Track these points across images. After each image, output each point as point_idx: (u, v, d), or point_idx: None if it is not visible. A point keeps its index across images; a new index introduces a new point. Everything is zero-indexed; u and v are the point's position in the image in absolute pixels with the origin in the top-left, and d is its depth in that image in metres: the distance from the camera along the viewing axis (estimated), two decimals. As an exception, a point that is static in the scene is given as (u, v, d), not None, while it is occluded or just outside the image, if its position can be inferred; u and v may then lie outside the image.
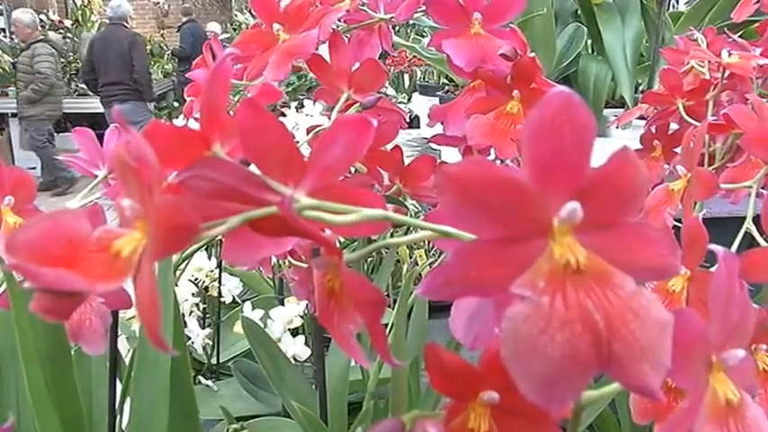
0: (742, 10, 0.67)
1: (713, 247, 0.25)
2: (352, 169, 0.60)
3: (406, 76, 3.81)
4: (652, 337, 0.21)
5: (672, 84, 0.65)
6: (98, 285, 0.25)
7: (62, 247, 0.26)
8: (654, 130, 0.70)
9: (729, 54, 0.62)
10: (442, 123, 0.59)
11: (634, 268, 0.22)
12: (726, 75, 0.62)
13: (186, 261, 0.64)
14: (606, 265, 0.22)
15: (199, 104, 0.27)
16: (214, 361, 0.97)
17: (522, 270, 0.21)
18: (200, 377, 0.95)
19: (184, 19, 5.99)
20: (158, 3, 6.89)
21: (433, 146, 0.65)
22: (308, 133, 0.56)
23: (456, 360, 0.26)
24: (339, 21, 0.60)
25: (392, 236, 0.57)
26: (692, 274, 0.44)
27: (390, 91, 3.45)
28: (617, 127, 0.71)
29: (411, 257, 1.22)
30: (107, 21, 5.06)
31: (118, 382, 0.60)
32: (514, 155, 0.55)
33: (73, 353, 0.65)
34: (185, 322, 0.83)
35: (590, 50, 0.96)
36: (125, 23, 4.75)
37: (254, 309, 0.82)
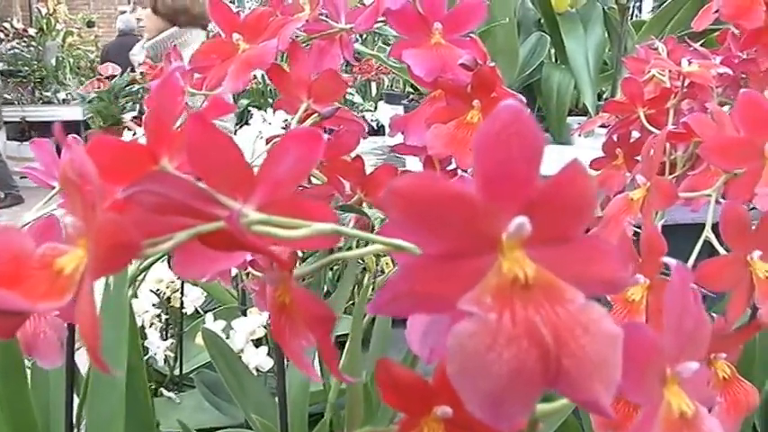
0: (702, 19, 0.67)
1: (667, 259, 0.25)
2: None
3: (374, 85, 3.81)
4: (602, 351, 0.21)
5: (633, 93, 0.65)
6: (40, 304, 0.25)
7: (6, 264, 0.25)
8: (616, 139, 0.70)
9: (689, 63, 0.63)
10: (402, 133, 0.58)
11: (584, 282, 0.22)
12: (686, 83, 0.63)
13: (144, 272, 0.63)
14: (556, 280, 0.21)
15: (147, 117, 0.26)
16: (177, 372, 0.96)
17: (470, 285, 0.21)
18: (162, 389, 0.93)
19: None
20: (125, 11, 6.80)
21: (398, 155, 0.65)
22: (267, 143, 0.55)
23: (408, 375, 0.25)
24: (299, 30, 0.59)
25: (350, 248, 0.57)
26: (652, 283, 0.45)
27: (357, 99, 3.46)
28: (579, 135, 0.71)
29: (377, 265, 1.21)
30: (118, 31, 5.30)
31: (76, 396, 0.59)
32: (470, 166, 0.55)
33: (31, 366, 0.64)
34: (145, 334, 0.82)
35: (554, 59, 0.97)
36: (134, 34, 4.86)
37: (216, 319, 0.81)
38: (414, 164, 0.82)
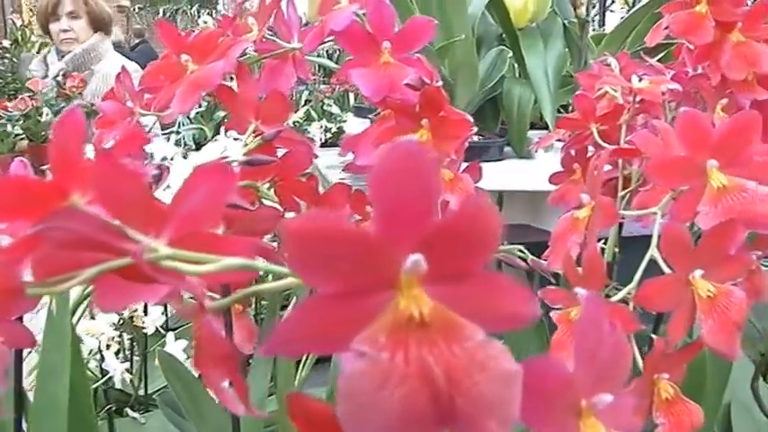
0: (654, 35, 0.68)
1: (579, 290, 0.25)
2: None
3: (351, 95, 3.81)
4: (497, 389, 0.20)
5: (585, 109, 0.65)
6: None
7: None
8: (573, 153, 0.70)
9: (640, 79, 0.64)
10: (353, 153, 0.58)
11: (486, 318, 0.22)
12: (637, 99, 0.63)
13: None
14: (454, 317, 0.21)
15: (51, 153, 0.26)
16: (143, 392, 0.95)
17: (367, 324, 0.21)
18: (127, 409, 0.92)
19: (137, 40, 5.94)
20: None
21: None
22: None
23: (320, 408, 0.25)
24: (251, 50, 0.59)
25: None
26: (594, 302, 0.45)
27: (335, 109, 3.45)
28: (536, 150, 0.72)
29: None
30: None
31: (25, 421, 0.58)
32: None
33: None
34: (103, 356, 0.81)
35: (517, 73, 0.97)
36: (121, 45, 4.99)
37: (177, 339, 0.81)
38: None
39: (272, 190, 0.62)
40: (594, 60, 0.69)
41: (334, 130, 2.99)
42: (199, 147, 2.76)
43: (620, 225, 0.59)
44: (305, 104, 3.40)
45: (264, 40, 0.57)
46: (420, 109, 0.55)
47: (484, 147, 0.86)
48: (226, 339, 0.25)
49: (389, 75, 0.54)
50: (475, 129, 0.98)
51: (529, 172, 0.86)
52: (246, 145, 0.53)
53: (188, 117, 3.80)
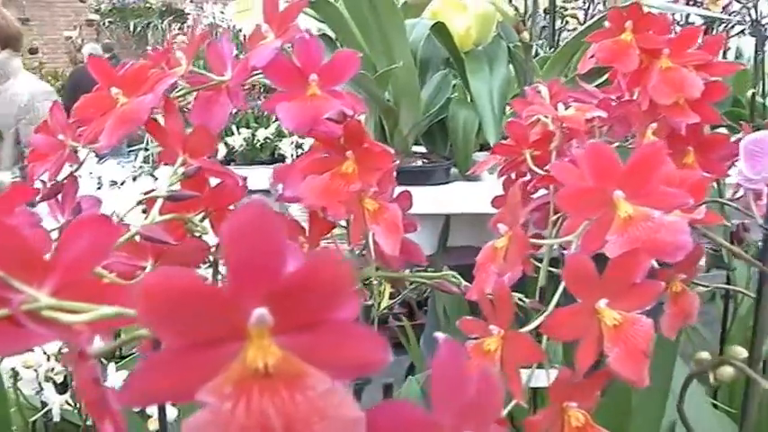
0: (583, 63, 0.70)
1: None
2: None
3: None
4: (340, 436, 0.22)
5: (517, 135, 0.67)
6: None
7: None
8: (513, 177, 0.72)
9: (567, 106, 0.66)
10: (282, 184, 0.60)
11: (337, 366, 0.24)
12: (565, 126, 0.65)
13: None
14: (302, 366, 0.23)
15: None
16: (90, 423, 0.96)
17: (216, 375, 0.22)
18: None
19: (106, 55, 5.94)
20: (70, 37, 6.78)
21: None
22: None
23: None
24: (186, 83, 0.61)
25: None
26: (505, 333, 0.47)
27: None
28: (477, 173, 0.74)
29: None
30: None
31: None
32: (346, 216, 0.56)
33: None
34: (42, 388, 0.82)
35: (465, 97, 1.00)
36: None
37: (118, 370, 0.82)
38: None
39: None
40: (527, 87, 0.71)
41: (306, 146, 3.01)
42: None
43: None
44: (275, 120, 3.41)
45: (192, 73, 0.59)
46: (344, 141, 0.56)
47: (430, 170, 0.88)
48: (100, 385, 0.26)
49: (314, 108, 0.55)
50: (423, 151, 1.00)
51: (475, 194, 0.88)
52: (174, 177, 0.54)
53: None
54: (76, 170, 0.63)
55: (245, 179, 0.66)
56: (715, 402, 0.92)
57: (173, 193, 0.52)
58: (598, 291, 0.44)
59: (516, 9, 1.06)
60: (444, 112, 0.93)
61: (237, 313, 0.23)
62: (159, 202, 0.53)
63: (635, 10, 0.66)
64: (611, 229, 0.47)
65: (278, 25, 0.57)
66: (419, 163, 0.89)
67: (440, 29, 0.91)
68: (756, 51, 1.28)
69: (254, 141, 3.32)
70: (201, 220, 0.64)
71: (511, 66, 0.98)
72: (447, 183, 0.90)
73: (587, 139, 0.67)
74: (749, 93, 1.30)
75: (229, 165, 3.78)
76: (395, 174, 0.89)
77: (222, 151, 3.71)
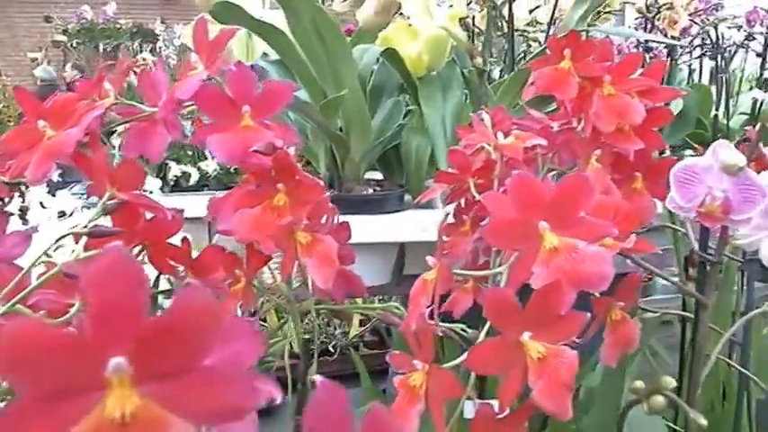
0: (527, 91, 0.71)
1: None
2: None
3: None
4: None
5: (460, 163, 0.68)
6: None
7: None
8: (463, 204, 0.73)
9: (507, 134, 0.67)
10: (215, 216, 0.60)
11: (201, 413, 0.24)
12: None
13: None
14: (163, 415, 0.23)
15: None
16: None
17: (75, 425, 0.23)
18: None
19: (78, 76, 5.94)
20: (36, 59, 6.76)
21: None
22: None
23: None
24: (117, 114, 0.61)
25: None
26: (429, 368, 0.47)
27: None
28: (422, 202, 0.74)
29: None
30: (39, 81, 5.51)
31: None
32: (277, 249, 0.57)
33: None
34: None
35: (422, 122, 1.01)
36: (56, 83, 5.02)
37: None
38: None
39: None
40: (473, 114, 0.72)
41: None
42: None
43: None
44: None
45: (120, 105, 0.59)
46: (275, 174, 0.57)
47: (382, 198, 0.89)
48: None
49: (244, 139, 0.56)
50: (379, 178, 1.01)
51: (430, 222, 0.89)
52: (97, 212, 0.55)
53: (126, 159, 3.80)
54: (7, 204, 0.63)
55: (180, 211, 0.66)
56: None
57: (93, 230, 0.52)
58: (521, 323, 0.45)
59: (473, 33, 1.08)
60: (398, 139, 0.94)
61: (96, 362, 0.23)
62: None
63: (573, 37, 0.67)
64: (536, 261, 0.48)
65: (207, 55, 0.58)
66: (371, 191, 0.89)
67: (392, 54, 0.92)
68: (717, 73, 1.31)
69: (228, 166, 3.33)
70: (138, 254, 0.65)
71: (467, 91, 0.99)
72: (400, 210, 0.90)
73: (523, 166, 0.69)
74: (712, 114, 1.33)
75: (203, 190, 3.78)
76: (347, 202, 0.90)
77: (195, 176, 3.72)
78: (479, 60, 0.93)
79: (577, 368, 0.46)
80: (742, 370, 0.74)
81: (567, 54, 0.67)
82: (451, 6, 1.21)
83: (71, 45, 6.84)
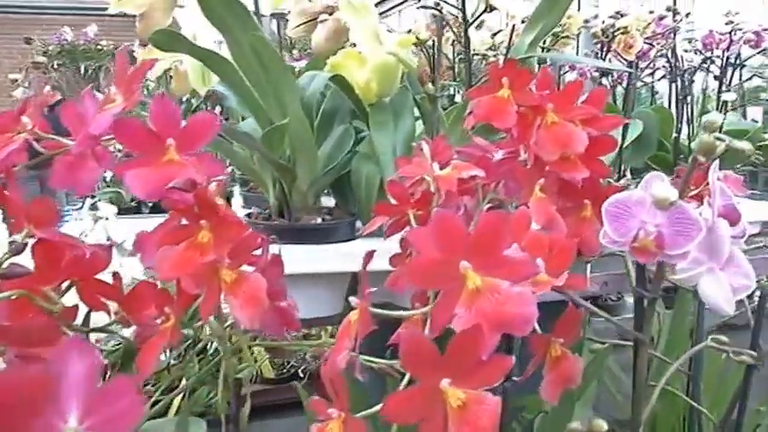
0: (469, 120, 0.69)
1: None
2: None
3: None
4: None
5: (398, 195, 0.66)
6: None
7: None
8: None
9: (445, 166, 0.65)
10: (140, 252, 0.58)
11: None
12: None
13: None
14: None
15: None
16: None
17: None
18: None
19: (59, 97, 5.91)
20: (16, 80, 6.70)
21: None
22: None
23: None
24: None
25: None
26: (345, 417, 0.44)
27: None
28: (363, 235, 0.72)
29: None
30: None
31: None
32: (198, 289, 0.54)
33: None
34: None
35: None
36: None
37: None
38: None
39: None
40: (415, 143, 0.70)
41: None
42: (120, 211, 2.70)
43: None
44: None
45: (39, 138, 0.56)
46: (198, 210, 0.54)
47: (330, 227, 0.86)
48: None
49: (162, 176, 0.53)
50: (330, 207, 0.99)
51: (382, 251, 0.86)
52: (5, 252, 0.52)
53: (104, 180, 3.76)
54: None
55: (108, 247, 0.64)
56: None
57: (6, 270, 0.50)
58: (440, 369, 0.43)
59: (433, 57, 1.06)
60: (349, 166, 0.91)
61: None
62: None
63: (512, 66, 0.65)
64: (459, 302, 0.45)
65: (125, 88, 0.55)
66: (319, 220, 0.87)
67: (341, 81, 0.90)
68: (677, 96, 1.30)
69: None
70: (65, 292, 0.62)
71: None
72: (352, 239, 0.88)
73: (468, 199, 0.67)
74: (672, 137, 1.32)
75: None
76: (294, 232, 0.88)
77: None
78: (430, 86, 0.91)
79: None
80: (692, 402, 0.71)
81: (506, 82, 0.65)
82: (410, 31, 1.19)
83: (51, 66, 6.79)
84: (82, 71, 6.73)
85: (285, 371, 1.93)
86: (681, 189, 0.52)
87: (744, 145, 0.49)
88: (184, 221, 0.56)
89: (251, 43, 0.76)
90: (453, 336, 0.43)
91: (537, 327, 0.60)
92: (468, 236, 0.46)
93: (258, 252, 0.63)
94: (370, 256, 0.53)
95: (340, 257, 0.84)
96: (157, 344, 0.58)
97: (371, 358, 0.59)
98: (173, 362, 1.07)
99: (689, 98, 1.39)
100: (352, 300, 0.50)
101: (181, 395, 0.98)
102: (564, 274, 0.53)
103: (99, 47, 6.52)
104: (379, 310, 0.50)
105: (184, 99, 1.97)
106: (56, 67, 6.74)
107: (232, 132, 0.77)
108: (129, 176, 0.54)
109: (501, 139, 0.74)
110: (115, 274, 0.64)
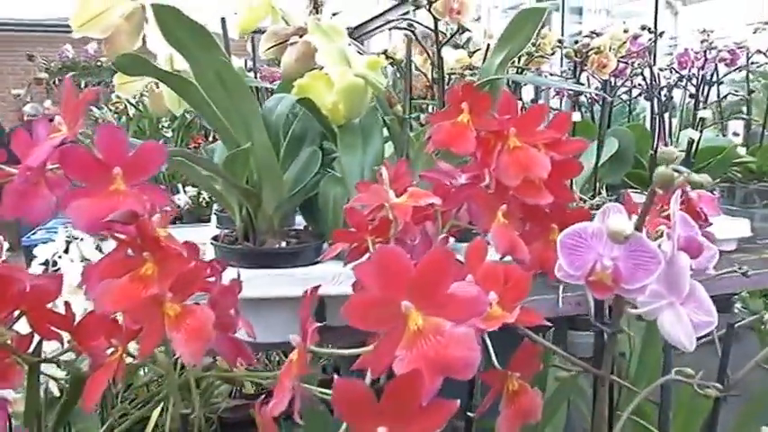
0: (429, 146, 0.66)
1: None
2: None
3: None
4: None
5: (356, 222, 0.63)
6: None
7: None
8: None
9: (404, 192, 0.62)
10: (87, 284, 0.55)
11: None
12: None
13: None
14: None
15: None
16: None
17: None
18: None
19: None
20: (19, 95, 6.68)
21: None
22: None
23: None
24: None
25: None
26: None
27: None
28: (324, 261, 0.69)
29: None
30: (27, 116, 5.42)
31: None
32: (144, 323, 0.51)
33: None
34: None
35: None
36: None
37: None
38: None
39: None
40: (377, 167, 0.67)
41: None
42: None
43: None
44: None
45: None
46: (141, 242, 0.51)
47: (296, 251, 0.83)
48: None
49: (101, 208, 0.50)
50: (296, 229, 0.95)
51: (346, 275, 0.83)
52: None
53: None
54: None
55: (58, 277, 0.61)
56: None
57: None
58: (376, 416, 0.39)
59: (405, 77, 1.03)
60: (317, 189, 0.88)
61: None
62: None
63: (469, 90, 0.62)
64: (401, 343, 0.42)
65: (69, 117, 0.52)
66: (284, 244, 0.84)
67: (308, 103, 0.87)
68: (652, 114, 1.27)
69: (200, 200, 3.27)
70: (14, 322, 0.59)
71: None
72: (317, 263, 0.84)
73: (430, 225, 0.64)
74: (649, 154, 1.29)
75: (176, 223, 3.70)
76: (259, 256, 0.84)
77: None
78: (399, 108, 0.88)
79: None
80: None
81: (465, 107, 0.62)
82: (385, 51, 1.16)
83: (53, 82, 6.78)
84: (82, 87, 6.70)
85: (264, 387, 1.89)
86: (638, 222, 0.49)
87: (702, 178, 0.46)
88: (130, 252, 0.53)
89: (215, 69, 0.73)
90: (391, 380, 0.40)
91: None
92: (410, 273, 0.42)
93: (212, 279, 0.60)
94: (314, 292, 0.50)
95: (302, 282, 0.81)
96: (102, 377, 0.55)
97: (325, 390, 0.56)
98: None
99: (666, 115, 1.37)
100: (292, 338, 0.47)
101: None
102: (517, 308, 0.50)
103: (99, 63, 6.49)
104: (319, 349, 0.47)
105: (178, 114, 1.94)
106: (57, 82, 6.72)
107: (190, 157, 0.73)
108: (70, 208, 0.51)
109: (466, 163, 0.71)
110: (67, 304, 0.61)
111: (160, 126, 3.41)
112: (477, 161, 0.65)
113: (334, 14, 1.61)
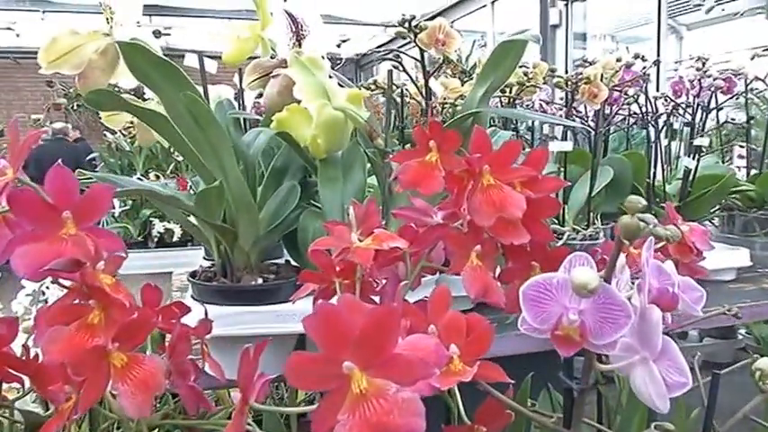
0: (397, 186, 0.63)
1: None
2: None
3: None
4: None
5: (322, 264, 0.60)
6: None
7: None
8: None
9: (370, 234, 0.58)
10: (36, 329, 0.52)
11: None
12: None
13: None
14: None
15: None
16: None
17: None
18: None
19: (78, 135, 6.00)
20: (38, 119, 6.72)
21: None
22: None
23: None
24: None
25: None
26: None
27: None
28: (293, 302, 0.65)
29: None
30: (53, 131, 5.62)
31: None
32: (87, 375, 0.48)
33: None
34: None
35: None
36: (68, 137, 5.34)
37: None
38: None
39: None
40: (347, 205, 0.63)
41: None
42: (128, 245, 2.64)
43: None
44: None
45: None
46: (87, 290, 0.48)
47: (272, 288, 0.80)
48: None
49: (49, 254, 0.47)
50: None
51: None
52: None
53: (113, 215, 3.71)
54: None
55: (14, 320, 0.58)
56: None
57: None
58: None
59: (387, 110, 1.00)
60: (296, 223, 0.85)
61: None
62: None
63: (437, 129, 0.59)
64: (344, 407, 0.39)
65: (14, 159, 0.50)
66: (260, 281, 0.80)
67: (288, 137, 0.84)
68: (648, 142, 1.23)
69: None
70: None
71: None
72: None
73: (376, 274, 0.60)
74: (646, 182, 1.25)
75: (187, 246, 3.68)
76: (235, 293, 0.81)
77: (178, 233, 3.63)
78: (380, 141, 0.85)
79: None
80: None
81: (433, 146, 0.59)
82: (375, 82, 1.13)
83: (71, 107, 6.82)
84: (99, 113, 6.73)
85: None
86: (606, 273, 0.45)
87: (668, 233, 0.42)
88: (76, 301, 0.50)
89: (186, 105, 0.70)
90: (330, 448, 0.37)
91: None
92: (354, 331, 0.39)
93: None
94: (260, 348, 0.47)
95: (283, 318, 0.78)
96: (55, 424, 0.52)
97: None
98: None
99: (665, 141, 1.33)
100: (233, 395, 0.44)
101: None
102: (476, 363, 0.46)
103: (117, 89, 6.53)
104: (263, 407, 0.43)
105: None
106: (75, 108, 6.77)
107: (157, 196, 0.71)
108: (14, 255, 0.48)
109: (444, 199, 0.67)
110: (25, 347, 0.58)
111: (172, 150, 3.39)
112: (452, 199, 0.62)
113: (343, 41, 1.59)
